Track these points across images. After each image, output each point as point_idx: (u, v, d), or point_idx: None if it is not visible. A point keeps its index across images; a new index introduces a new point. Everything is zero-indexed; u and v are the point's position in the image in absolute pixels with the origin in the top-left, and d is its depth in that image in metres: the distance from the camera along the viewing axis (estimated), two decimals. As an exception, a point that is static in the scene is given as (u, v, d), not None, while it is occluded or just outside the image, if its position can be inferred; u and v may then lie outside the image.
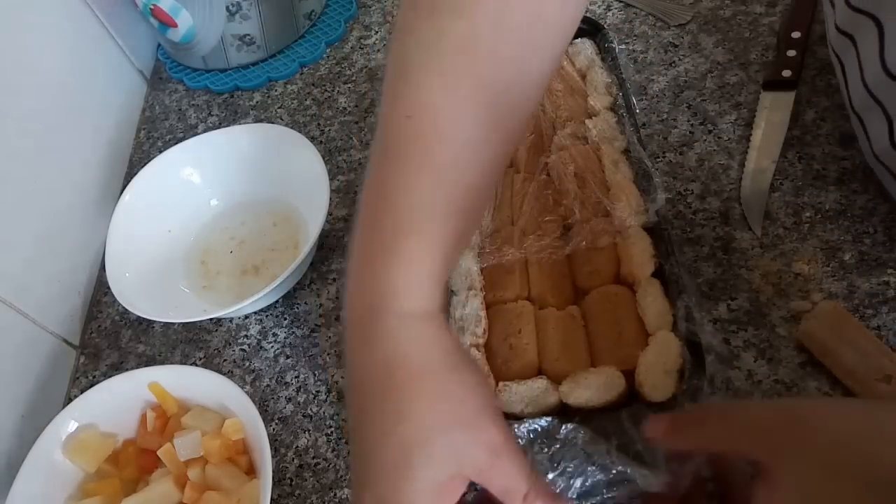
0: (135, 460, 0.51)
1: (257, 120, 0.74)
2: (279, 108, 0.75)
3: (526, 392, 0.43)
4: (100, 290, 0.66)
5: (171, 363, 0.59)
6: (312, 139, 0.65)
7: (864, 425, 0.29)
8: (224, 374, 0.52)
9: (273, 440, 0.52)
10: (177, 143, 0.66)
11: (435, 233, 0.34)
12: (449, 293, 0.47)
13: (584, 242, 0.48)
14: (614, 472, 0.37)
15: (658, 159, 0.59)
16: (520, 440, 0.40)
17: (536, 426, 0.40)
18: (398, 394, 0.32)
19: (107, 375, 0.60)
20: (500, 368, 0.45)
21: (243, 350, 0.58)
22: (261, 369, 0.57)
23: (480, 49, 0.34)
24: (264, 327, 0.59)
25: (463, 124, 0.35)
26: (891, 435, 0.28)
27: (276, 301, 0.60)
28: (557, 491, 0.38)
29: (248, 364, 0.57)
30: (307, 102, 0.74)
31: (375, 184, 0.36)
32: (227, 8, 0.72)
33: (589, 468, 0.38)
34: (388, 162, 0.35)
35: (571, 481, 0.38)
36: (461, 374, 0.34)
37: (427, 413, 0.32)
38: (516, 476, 0.33)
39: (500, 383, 0.44)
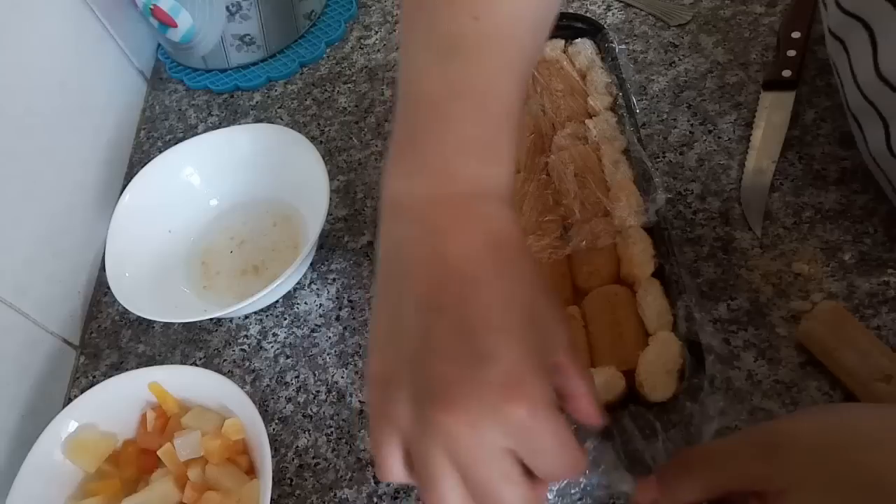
0: (135, 460, 0.51)
1: (257, 120, 0.74)
2: (279, 108, 0.75)
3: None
4: (100, 290, 0.66)
5: (171, 363, 0.59)
6: (312, 139, 0.65)
7: (839, 435, 0.29)
8: (224, 374, 0.52)
9: (273, 440, 0.52)
10: (177, 143, 0.66)
11: (514, 127, 0.34)
12: None
13: (584, 242, 0.48)
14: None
15: (658, 159, 0.59)
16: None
17: None
18: (511, 267, 0.30)
19: (107, 375, 0.60)
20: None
21: (243, 350, 0.58)
22: (261, 369, 0.57)
23: None
24: (264, 327, 0.59)
25: (523, 28, 0.35)
26: (867, 439, 0.29)
27: (276, 301, 0.60)
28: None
29: (248, 364, 0.57)
30: (307, 102, 0.74)
31: (441, 81, 0.34)
32: (227, 8, 0.72)
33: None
34: (458, 60, 0.34)
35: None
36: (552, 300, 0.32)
37: (532, 285, 0.30)
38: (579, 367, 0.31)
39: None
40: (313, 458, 0.51)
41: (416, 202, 0.33)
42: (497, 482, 0.27)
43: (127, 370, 0.56)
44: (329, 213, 0.57)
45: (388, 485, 0.49)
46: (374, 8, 0.82)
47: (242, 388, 0.51)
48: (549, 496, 0.39)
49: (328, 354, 0.56)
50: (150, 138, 0.77)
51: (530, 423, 0.27)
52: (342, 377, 0.54)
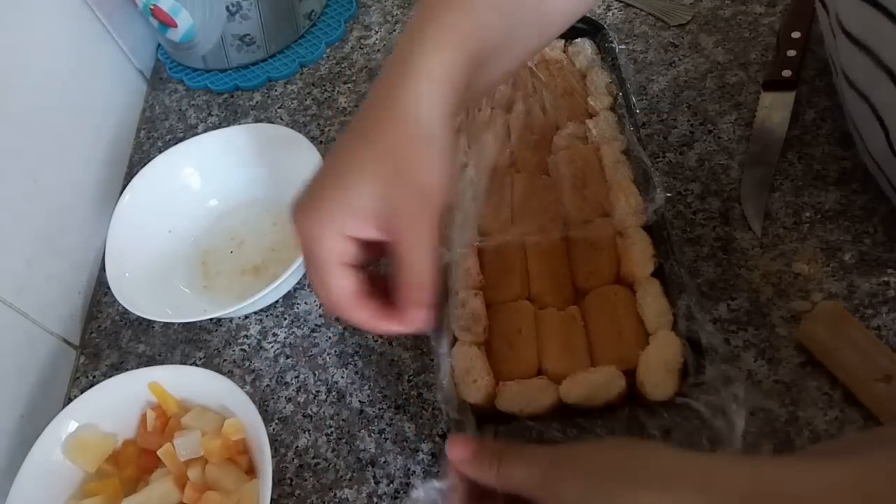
0: (135, 460, 0.51)
1: (257, 120, 0.74)
2: (279, 108, 0.75)
3: (526, 391, 0.43)
4: (100, 290, 0.66)
5: (171, 363, 0.59)
6: (312, 139, 0.65)
7: (622, 467, 0.31)
8: (224, 374, 0.52)
9: (273, 440, 0.52)
10: (177, 143, 0.66)
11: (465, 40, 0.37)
12: (449, 292, 0.47)
13: (575, 231, 0.49)
14: None
15: (658, 159, 0.59)
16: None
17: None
18: (380, 126, 0.36)
19: (107, 375, 0.60)
20: (500, 367, 0.45)
21: (243, 350, 0.58)
22: (261, 369, 0.57)
23: None
24: (264, 327, 0.59)
25: None
26: (644, 478, 0.30)
27: (276, 301, 0.60)
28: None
29: (248, 364, 0.57)
30: (307, 102, 0.74)
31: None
32: (227, 8, 0.72)
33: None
34: None
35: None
36: (439, 157, 0.36)
37: (387, 153, 0.35)
38: (414, 256, 0.36)
39: (500, 382, 0.44)
40: (313, 458, 0.51)
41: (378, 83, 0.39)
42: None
43: (127, 370, 0.56)
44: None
45: (389, 484, 0.49)
46: (374, 8, 0.82)
47: (242, 388, 0.51)
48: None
49: (328, 354, 0.56)
50: (150, 138, 0.77)
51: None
52: (342, 377, 0.54)
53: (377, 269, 0.40)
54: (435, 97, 0.36)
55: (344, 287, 0.37)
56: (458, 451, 0.36)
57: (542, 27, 0.41)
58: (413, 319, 0.37)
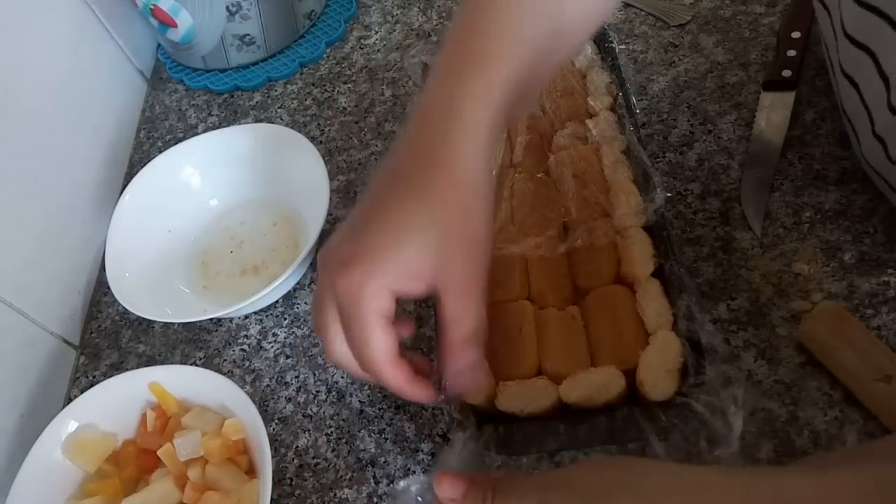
0: (135, 460, 0.51)
1: (257, 120, 0.74)
2: (279, 108, 0.75)
3: (526, 391, 0.43)
4: (100, 290, 0.66)
5: (171, 363, 0.59)
6: (312, 139, 0.65)
7: (619, 483, 0.31)
8: (224, 374, 0.52)
9: (273, 440, 0.52)
10: (177, 143, 0.66)
11: (514, 64, 0.37)
12: None
13: (579, 241, 0.49)
14: None
15: (658, 159, 0.59)
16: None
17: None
18: (435, 180, 0.35)
19: (107, 375, 0.60)
20: (501, 367, 0.45)
21: (243, 350, 0.58)
22: (261, 369, 0.57)
23: None
24: (264, 327, 0.59)
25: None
26: (637, 496, 0.30)
27: (276, 301, 0.60)
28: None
29: (248, 364, 0.57)
30: (307, 102, 0.74)
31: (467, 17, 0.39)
32: (227, 8, 0.72)
33: None
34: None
35: None
36: (489, 212, 0.36)
37: (443, 212, 0.35)
38: (466, 311, 0.36)
39: (501, 382, 0.44)
40: (313, 458, 0.51)
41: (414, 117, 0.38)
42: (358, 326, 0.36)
43: (127, 370, 0.56)
44: (329, 213, 0.57)
45: (389, 484, 0.49)
46: (374, 8, 0.82)
47: (242, 388, 0.51)
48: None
49: (328, 354, 0.56)
50: (150, 138, 0.77)
51: (346, 301, 0.35)
52: (342, 377, 0.54)
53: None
54: (480, 147, 0.36)
55: (386, 346, 0.36)
56: (447, 488, 0.35)
57: (559, 52, 0.41)
58: (457, 381, 0.37)
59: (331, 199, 0.57)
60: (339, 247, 0.37)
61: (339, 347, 0.38)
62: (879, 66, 0.41)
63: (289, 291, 0.60)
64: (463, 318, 0.36)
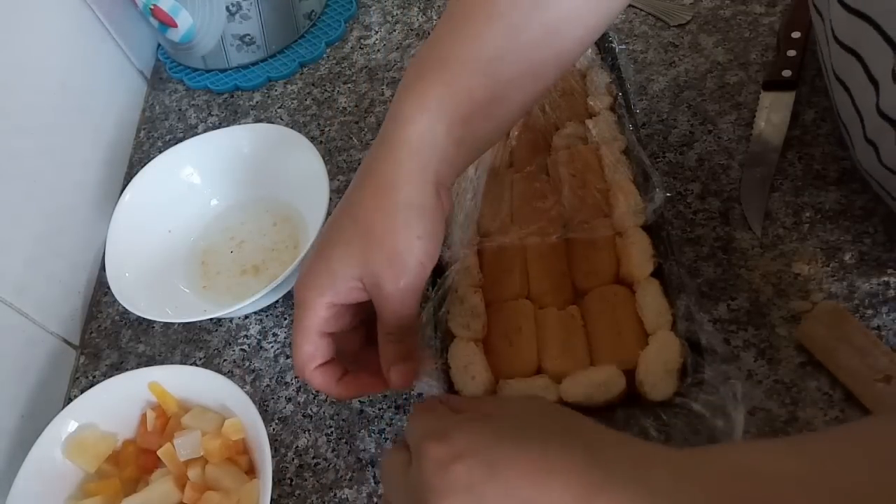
0: (135, 460, 0.51)
1: (257, 120, 0.74)
2: (279, 108, 0.75)
3: (526, 390, 0.43)
4: (100, 290, 0.66)
5: (171, 363, 0.59)
6: (312, 139, 0.65)
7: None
8: (224, 374, 0.52)
9: (273, 440, 0.52)
10: (177, 143, 0.66)
11: (456, 84, 0.38)
12: (449, 289, 0.47)
13: (573, 233, 0.49)
14: None
15: (658, 159, 0.59)
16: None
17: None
18: (361, 196, 0.39)
19: (107, 375, 0.60)
20: (500, 366, 0.45)
21: (243, 350, 0.58)
22: (261, 369, 0.57)
23: None
24: (264, 327, 0.59)
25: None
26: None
27: (276, 301, 0.60)
28: None
29: (248, 364, 0.57)
30: (307, 102, 0.74)
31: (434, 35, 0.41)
32: (227, 8, 0.72)
33: None
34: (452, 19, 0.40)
35: None
36: (415, 221, 0.38)
37: (365, 224, 0.38)
38: (390, 314, 0.39)
39: (501, 380, 0.44)
40: (313, 458, 0.51)
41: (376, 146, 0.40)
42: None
43: (127, 370, 0.56)
44: (329, 213, 0.57)
45: (388, 485, 0.49)
46: (374, 8, 0.82)
47: (242, 388, 0.51)
48: None
49: (328, 354, 0.56)
50: (150, 138, 0.77)
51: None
52: (342, 377, 0.54)
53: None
54: (413, 165, 0.38)
55: (309, 353, 0.40)
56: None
57: (537, 76, 0.41)
58: (394, 376, 0.40)
59: (331, 199, 0.57)
60: (301, 267, 0.43)
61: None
62: (868, 70, 0.41)
63: (289, 291, 0.60)
64: (387, 320, 0.39)
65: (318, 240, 0.42)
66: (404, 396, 0.52)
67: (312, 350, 0.40)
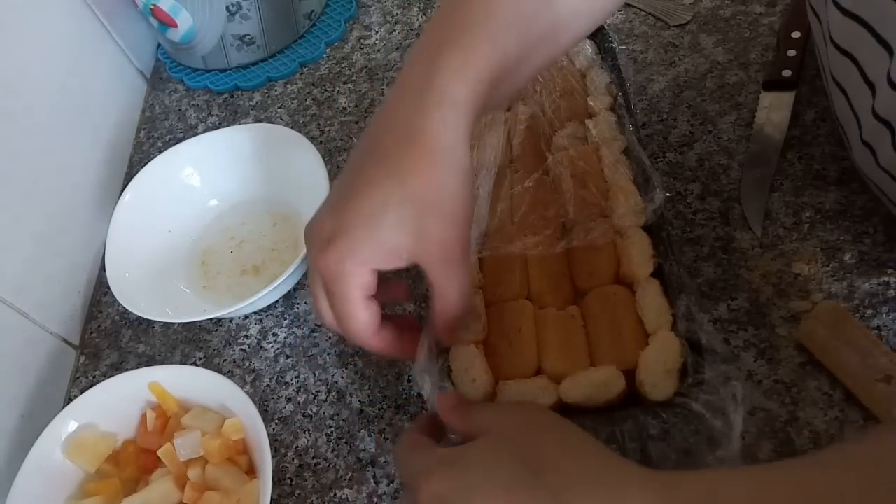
0: (135, 460, 0.51)
1: (257, 120, 0.74)
2: (279, 108, 0.75)
3: (526, 390, 0.43)
4: (100, 290, 0.66)
5: (171, 363, 0.59)
6: (312, 139, 0.65)
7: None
8: (224, 374, 0.52)
9: (273, 440, 0.52)
10: (177, 143, 0.66)
11: (489, 47, 0.37)
12: None
13: (575, 242, 0.49)
14: None
15: (658, 159, 0.59)
16: None
17: None
18: (407, 156, 0.35)
19: (107, 375, 0.60)
20: (500, 366, 0.45)
21: (243, 350, 0.58)
22: (261, 369, 0.57)
23: None
24: (264, 327, 0.59)
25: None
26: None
27: (276, 301, 0.60)
28: None
29: (248, 364, 0.57)
30: (307, 102, 0.74)
31: None
32: (227, 8, 0.72)
33: None
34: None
35: None
36: (466, 185, 0.36)
37: (418, 188, 0.35)
38: (448, 279, 0.37)
39: (500, 381, 0.44)
40: (313, 458, 0.51)
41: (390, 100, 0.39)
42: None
43: (127, 370, 0.56)
44: (329, 213, 0.57)
45: (389, 484, 0.49)
46: (374, 8, 0.82)
47: (242, 388, 0.51)
48: None
49: (328, 354, 0.56)
50: (150, 138, 0.77)
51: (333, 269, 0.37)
52: (342, 377, 0.54)
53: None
54: (459, 123, 0.36)
55: (366, 320, 0.38)
56: (441, 401, 0.39)
57: (554, 44, 0.41)
58: (466, 335, 0.41)
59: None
60: (320, 223, 0.38)
61: (326, 313, 0.40)
62: (864, 73, 0.41)
63: (289, 291, 0.60)
64: (446, 287, 0.37)
65: (351, 193, 0.37)
66: (404, 396, 0.52)
67: (369, 317, 0.38)
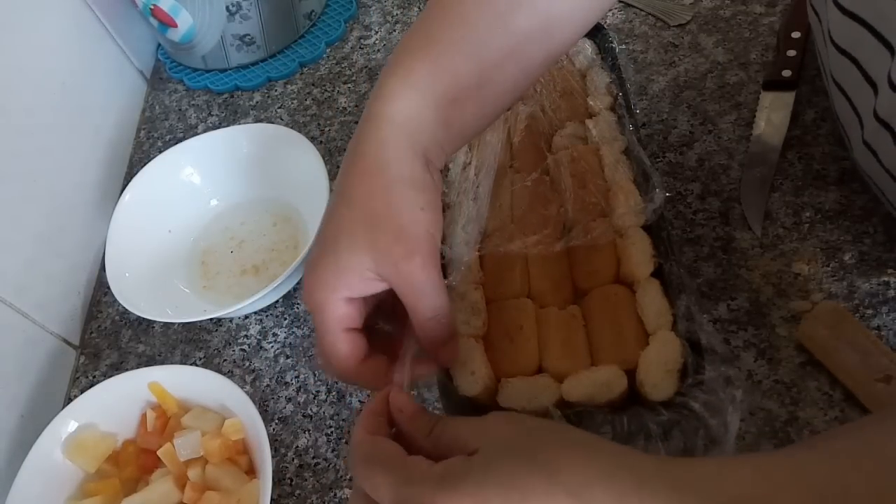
0: (135, 460, 0.51)
1: (257, 120, 0.74)
2: (279, 108, 0.75)
3: (528, 389, 0.43)
4: (100, 290, 0.66)
5: (171, 363, 0.59)
6: (312, 139, 0.65)
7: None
8: (224, 374, 0.52)
9: (273, 440, 0.52)
10: (177, 143, 0.66)
11: (439, 67, 0.38)
12: (449, 288, 0.47)
13: (575, 241, 0.49)
14: None
15: (658, 159, 0.59)
16: None
17: None
18: (353, 181, 0.37)
19: (107, 375, 0.60)
20: (500, 363, 0.45)
21: (243, 350, 0.58)
22: (261, 369, 0.57)
23: None
24: (264, 327, 0.59)
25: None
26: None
27: (276, 301, 0.60)
28: None
29: (248, 364, 0.57)
30: (307, 102, 0.74)
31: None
32: (227, 8, 0.72)
33: None
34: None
35: None
36: (413, 194, 0.36)
37: (364, 207, 0.36)
38: (418, 294, 0.36)
39: (503, 379, 0.44)
40: (313, 458, 0.51)
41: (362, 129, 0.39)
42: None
43: (127, 370, 0.56)
44: (329, 213, 0.57)
45: (388, 485, 0.49)
46: (374, 8, 0.82)
47: (242, 388, 0.51)
48: None
49: (328, 354, 0.56)
50: (150, 138, 0.77)
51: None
52: (342, 377, 0.54)
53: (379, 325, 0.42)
54: (399, 139, 0.36)
55: (346, 353, 0.38)
56: (402, 401, 0.36)
57: (522, 62, 0.40)
58: (445, 356, 0.39)
59: (331, 199, 0.57)
60: (305, 273, 0.39)
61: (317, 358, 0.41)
62: (866, 73, 0.41)
63: (289, 291, 0.60)
64: (414, 302, 0.37)
65: (318, 236, 0.39)
66: (404, 396, 0.52)
67: (348, 349, 0.37)
